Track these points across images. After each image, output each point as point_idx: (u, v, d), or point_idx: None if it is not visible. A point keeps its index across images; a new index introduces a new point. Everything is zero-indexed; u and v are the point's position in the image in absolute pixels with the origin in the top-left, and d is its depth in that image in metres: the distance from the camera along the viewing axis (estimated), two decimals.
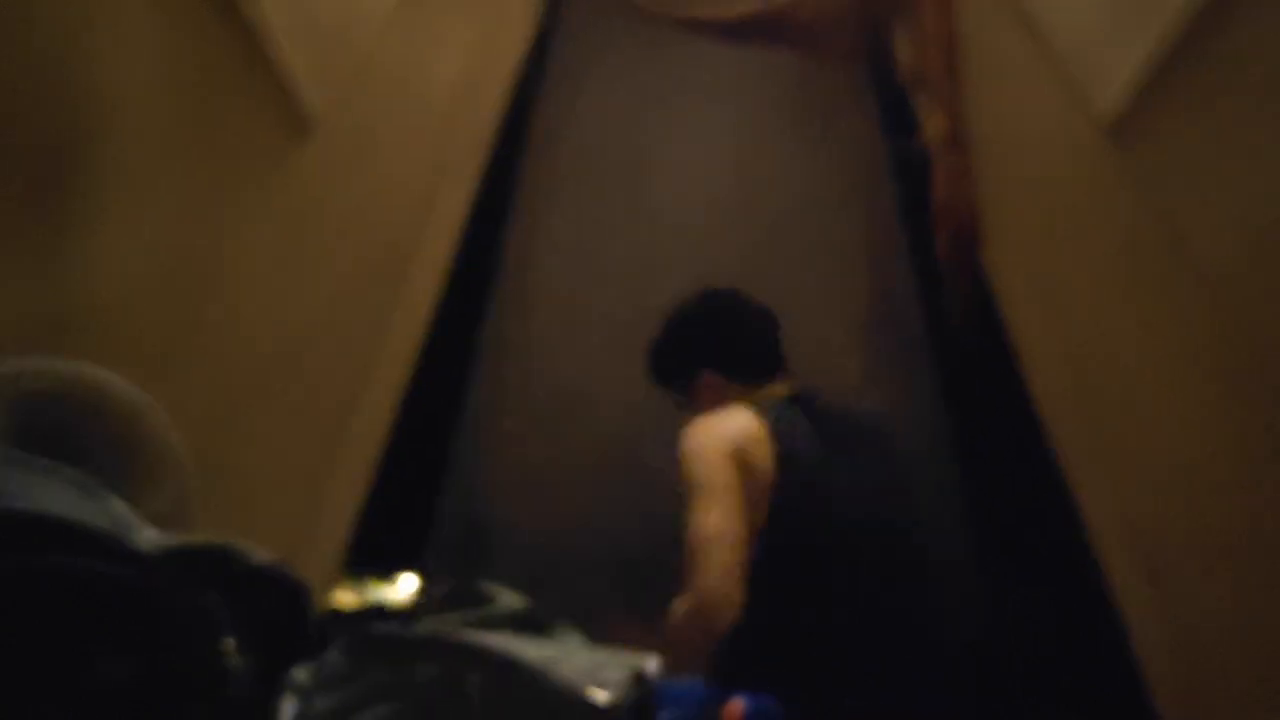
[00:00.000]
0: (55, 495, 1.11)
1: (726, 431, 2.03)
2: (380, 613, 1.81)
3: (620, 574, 2.98)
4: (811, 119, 3.20)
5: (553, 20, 3.07)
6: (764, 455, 2.00)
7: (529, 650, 1.30)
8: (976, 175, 2.78)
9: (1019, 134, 2.77)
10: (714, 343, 2.26)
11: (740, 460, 1.97)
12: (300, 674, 1.26)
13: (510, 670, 1.20)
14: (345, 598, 2.82)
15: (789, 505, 1.96)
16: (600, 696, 1.19)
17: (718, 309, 2.30)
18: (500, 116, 3.03)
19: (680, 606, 1.84)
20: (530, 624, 2.00)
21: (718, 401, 2.18)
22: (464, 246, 3.16)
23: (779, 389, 2.20)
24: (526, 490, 3.43)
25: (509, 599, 2.04)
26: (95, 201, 2.00)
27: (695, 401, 2.26)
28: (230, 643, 0.92)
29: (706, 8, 3.00)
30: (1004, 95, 2.78)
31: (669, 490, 3.12)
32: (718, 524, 1.87)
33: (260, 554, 1.00)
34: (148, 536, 1.11)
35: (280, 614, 1.02)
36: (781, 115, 3.17)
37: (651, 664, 1.55)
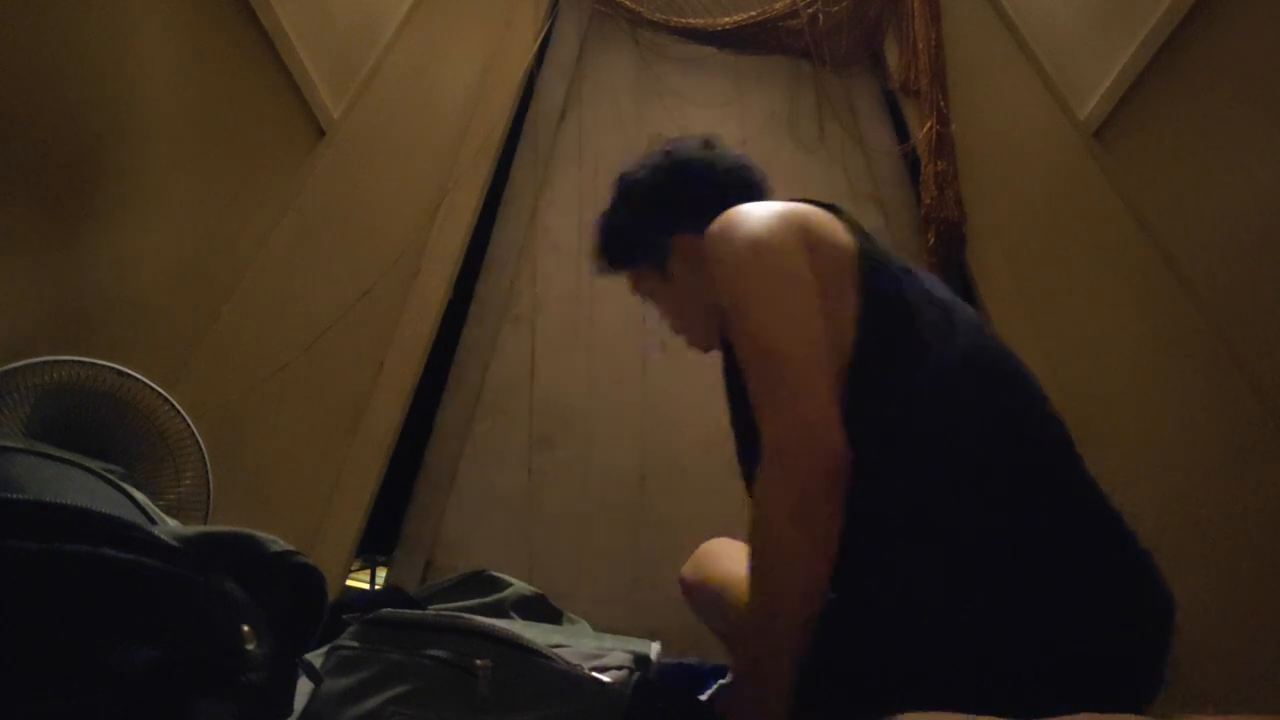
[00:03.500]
0: (78, 486, 1.14)
1: (785, 211, 1.34)
2: (393, 598, 1.83)
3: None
4: (809, 125, 3.15)
5: (554, 28, 3.03)
6: (839, 240, 1.32)
7: (536, 635, 1.34)
8: (962, 178, 2.79)
9: (1004, 138, 2.78)
10: (684, 198, 1.57)
11: (809, 245, 1.30)
12: (315, 658, 1.30)
13: (518, 653, 1.23)
14: (358, 584, 2.87)
15: (895, 316, 1.28)
16: (604, 678, 1.23)
17: (676, 158, 1.61)
18: (508, 121, 3.03)
19: (761, 474, 1.16)
20: (540, 611, 2.04)
21: (696, 275, 1.53)
22: (472, 247, 3.11)
23: None
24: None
25: (520, 587, 2.09)
26: (118, 202, 2.04)
27: (668, 283, 1.62)
28: (248, 629, 0.93)
29: (704, 15, 3.00)
30: (990, 101, 2.79)
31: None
32: (786, 324, 1.21)
33: (276, 543, 1.01)
34: (168, 526, 1.14)
35: (296, 600, 1.02)
36: (779, 121, 3.12)
37: (654, 648, 1.59)
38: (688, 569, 1.66)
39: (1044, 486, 1.21)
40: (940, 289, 1.38)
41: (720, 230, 1.35)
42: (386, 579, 2.93)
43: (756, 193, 1.56)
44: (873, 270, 1.30)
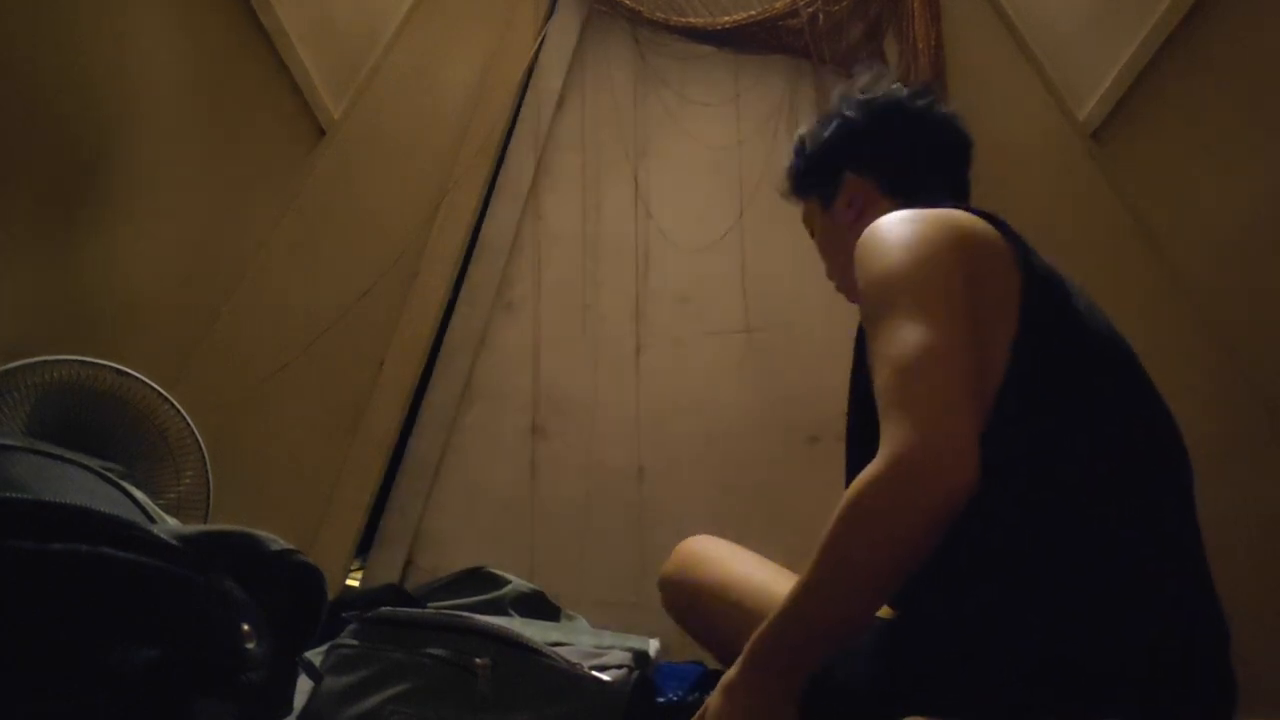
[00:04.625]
0: (78, 485, 1.14)
1: (944, 217, 1.23)
2: (392, 596, 1.83)
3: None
4: (807, 124, 3.12)
5: (553, 26, 3.02)
6: (1003, 260, 1.22)
7: (535, 633, 1.34)
8: None
9: (1004, 139, 2.76)
10: (868, 136, 1.51)
11: (968, 259, 1.18)
12: (315, 656, 1.30)
13: (517, 652, 1.23)
14: (358, 582, 2.86)
15: (1054, 338, 1.19)
16: (604, 677, 1.23)
17: (885, 100, 1.53)
18: (508, 121, 3.03)
19: (868, 473, 1.02)
20: (538, 607, 2.05)
21: (861, 223, 1.37)
22: (473, 247, 3.10)
23: None
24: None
25: (519, 584, 2.09)
26: (118, 202, 2.05)
27: (828, 219, 1.56)
28: (248, 628, 0.94)
29: (704, 14, 3.00)
30: (989, 101, 2.77)
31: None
32: (934, 339, 1.07)
33: (276, 542, 1.02)
34: (168, 525, 1.14)
35: (296, 599, 1.03)
36: (778, 119, 3.08)
37: (653, 645, 1.59)
38: (670, 569, 1.59)
39: (1146, 543, 1.14)
40: (1101, 317, 1.32)
41: (870, 233, 1.25)
42: (362, 579, 2.86)
43: (951, 161, 1.54)
44: (1036, 296, 1.20)
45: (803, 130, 1.63)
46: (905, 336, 1.09)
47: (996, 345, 1.14)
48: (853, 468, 1.26)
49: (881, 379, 1.09)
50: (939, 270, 1.15)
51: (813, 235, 1.63)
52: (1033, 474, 1.11)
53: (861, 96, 1.54)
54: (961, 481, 0.99)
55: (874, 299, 1.18)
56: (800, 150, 1.61)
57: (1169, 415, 1.28)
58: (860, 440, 1.26)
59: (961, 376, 1.06)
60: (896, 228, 1.22)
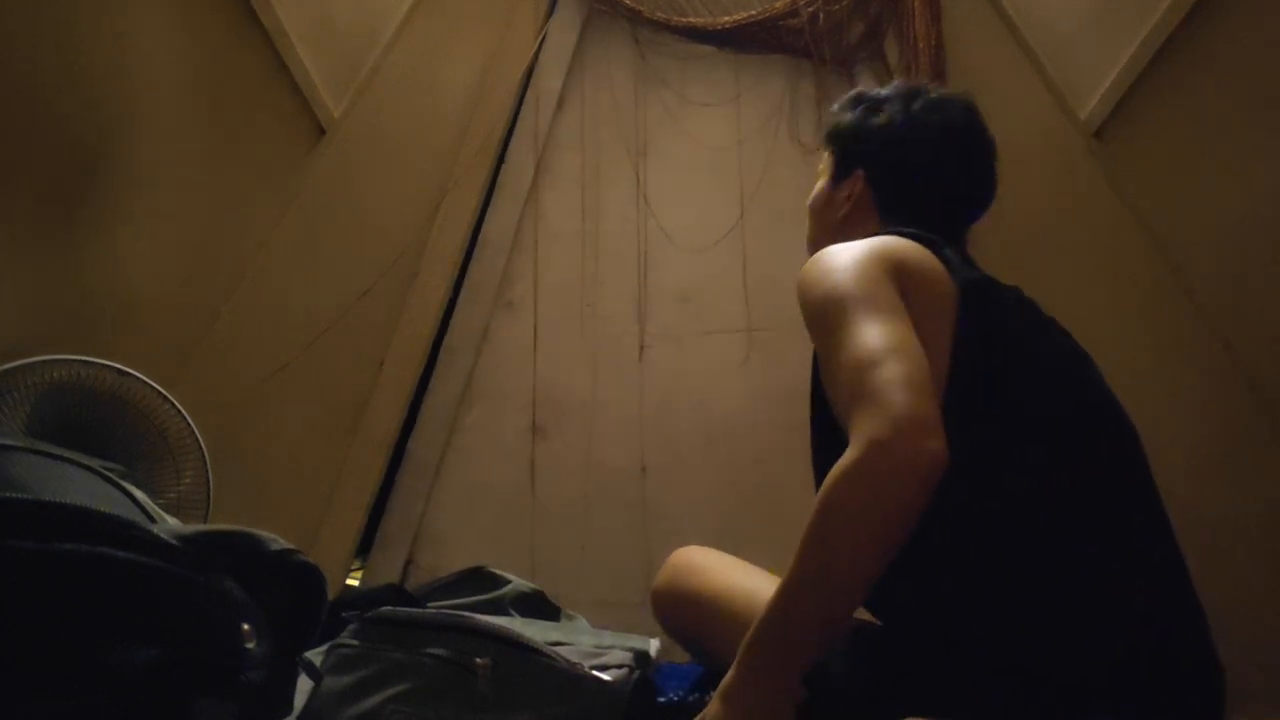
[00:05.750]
0: (78, 485, 1.14)
1: (876, 244, 1.29)
2: (392, 596, 1.83)
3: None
4: (809, 124, 3.11)
5: (553, 26, 3.03)
6: (936, 279, 1.28)
7: (535, 632, 1.34)
8: None
9: (1004, 138, 2.76)
10: (901, 157, 1.52)
11: (900, 279, 1.24)
12: (315, 656, 1.30)
13: (518, 652, 1.23)
14: (358, 582, 2.85)
15: (983, 351, 1.22)
16: (604, 676, 1.23)
17: (935, 112, 1.55)
18: (508, 121, 3.03)
19: (843, 462, 1.03)
20: (538, 607, 2.05)
21: (849, 221, 1.49)
22: (473, 246, 3.09)
23: None
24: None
25: (519, 583, 2.09)
26: (120, 202, 2.05)
27: (830, 189, 1.58)
28: (248, 627, 0.94)
29: (704, 14, 3.00)
30: (990, 101, 2.77)
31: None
32: (888, 335, 1.12)
33: (276, 541, 1.02)
34: (168, 524, 1.14)
35: (296, 599, 1.03)
36: (779, 119, 3.08)
37: (654, 645, 1.59)
38: (662, 582, 1.61)
39: (1097, 539, 1.17)
40: (1039, 323, 1.37)
41: (810, 265, 1.31)
42: (363, 579, 2.86)
43: (958, 211, 1.57)
44: (973, 310, 1.25)
45: (865, 90, 1.62)
46: (861, 338, 1.13)
47: (934, 357, 1.16)
48: (820, 477, 1.27)
49: (844, 380, 1.12)
50: (879, 283, 1.21)
51: (817, 178, 1.64)
52: (973, 483, 1.12)
53: (916, 107, 1.54)
54: (934, 457, 1.01)
55: (824, 316, 1.23)
56: (849, 108, 1.60)
57: (1135, 434, 1.30)
58: (825, 453, 1.31)
59: (920, 364, 1.09)
60: (836, 256, 1.28)
